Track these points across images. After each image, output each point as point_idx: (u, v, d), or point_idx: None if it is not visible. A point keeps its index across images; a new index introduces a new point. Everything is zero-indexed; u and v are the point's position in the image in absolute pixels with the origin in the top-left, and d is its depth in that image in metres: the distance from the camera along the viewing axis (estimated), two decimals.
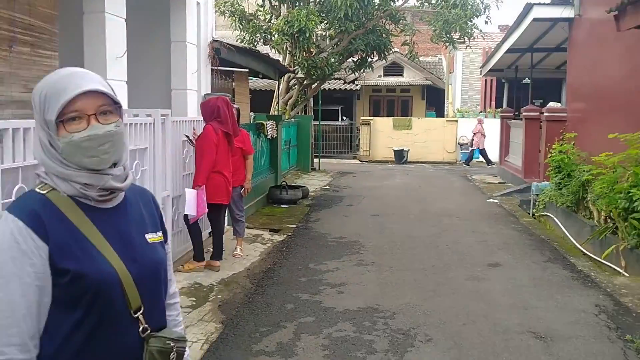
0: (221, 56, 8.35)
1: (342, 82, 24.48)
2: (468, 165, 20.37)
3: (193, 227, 6.14)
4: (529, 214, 10.69)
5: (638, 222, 6.49)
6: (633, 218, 6.57)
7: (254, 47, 12.53)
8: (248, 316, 4.95)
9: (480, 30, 15.89)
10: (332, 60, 15.52)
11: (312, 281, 5.99)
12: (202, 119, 6.42)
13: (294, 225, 8.88)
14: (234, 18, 15.80)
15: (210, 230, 6.64)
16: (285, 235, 8.14)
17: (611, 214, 7.26)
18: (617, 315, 4.97)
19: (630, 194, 6.56)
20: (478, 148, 20.43)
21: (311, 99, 19.19)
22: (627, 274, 6.62)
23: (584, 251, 7.96)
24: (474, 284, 5.95)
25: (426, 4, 15.98)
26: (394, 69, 26.61)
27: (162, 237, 1.67)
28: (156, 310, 1.59)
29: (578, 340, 4.44)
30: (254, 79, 14.96)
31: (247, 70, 10.16)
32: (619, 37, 7.65)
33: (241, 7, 15.93)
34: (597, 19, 9.58)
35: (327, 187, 13.99)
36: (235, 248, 6.93)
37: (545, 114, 11.83)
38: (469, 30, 15.17)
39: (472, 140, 20.68)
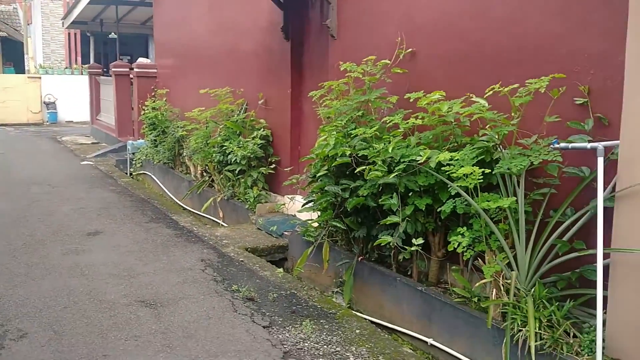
0: None
1: None
2: None
3: None
4: (126, 174, 10.37)
5: (232, 173, 6.83)
6: (228, 170, 6.88)
7: None
8: None
9: None
10: None
11: None
12: None
13: None
14: None
15: None
16: None
17: (207, 167, 7.49)
18: (222, 267, 5.08)
19: (224, 148, 6.83)
20: None
21: None
22: (225, 224, 6.95)
23: (185, 207, 8.09)
24: (73, 258, 5.30)
25: None
26: None
27: None
28: None
29: (188, 300, 4.34)
30: None
31: None
32: None
33: None
34: None
35: None
36: None
37: (136, 69, 11.54)
38: None
39: None
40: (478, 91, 3.70)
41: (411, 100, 3.94)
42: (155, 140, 9.52)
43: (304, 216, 5.88)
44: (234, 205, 6.83)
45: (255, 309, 4.18)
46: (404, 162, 3.80)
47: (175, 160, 8.98)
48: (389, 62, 4.58)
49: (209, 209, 7.36)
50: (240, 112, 7.16)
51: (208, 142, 7.19)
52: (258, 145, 6.54)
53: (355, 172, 4.15)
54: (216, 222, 7.20)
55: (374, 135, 4.15)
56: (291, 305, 4.26)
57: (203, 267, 5.08)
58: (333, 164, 4.35)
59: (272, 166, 6.61)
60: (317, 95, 4.99)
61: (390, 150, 3.83)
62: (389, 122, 4.03)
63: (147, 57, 18.06)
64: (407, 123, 3.85)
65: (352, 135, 4.28)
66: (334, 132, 4.31)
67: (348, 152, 4.20)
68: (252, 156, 6.52)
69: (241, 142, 6.65)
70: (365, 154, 4.08)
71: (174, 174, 8.85)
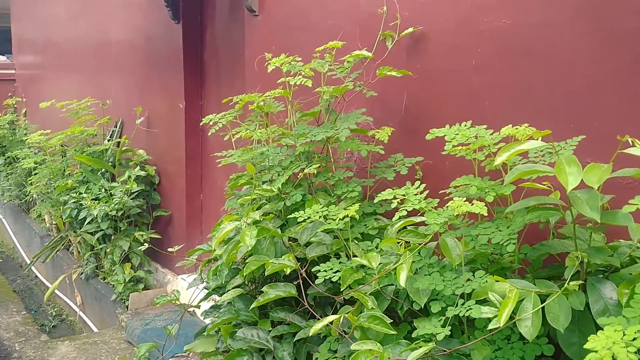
0: None
1: None
2: None
3: None
4: None
5: (93, 236, 4.23)
6: (86, 232, 4.28)
7: None
8: None
9: None
10: None
11: None
12: None
13: None
14: None
15: None
16: None
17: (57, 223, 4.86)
18: None
19: (80, 196, 4.22)
20: None
21: None
22: (84, 316, 4.35)
23: (39, 275, 5.44)
24: None
25: None
26: None
27: None
28: None
29: None
30: None
31: None
32: None
33: None
34: None
35: None
36: None
37: None
38: None
39: None
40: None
41: (447, 142, 1.55)
42: (2, 170, 6.72)
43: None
44: (97, 289, 4.21)
45: None
46: None
47: (30, 202, 6.23)
48: (369, 54, 2.18)
49: (64, 285, 4.71)
50: (109, 137, 4.56)
51: (55, 185, 4.54)
52: (132, 194, 3.97)
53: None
54: (74, 310, 4.58)
55: (346, 224, 1.73)
56: None
57: None
58: (250, 275, 1.91)
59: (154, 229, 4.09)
60: (223, 121, 2.51)
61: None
62: (392, 197, 1.61)
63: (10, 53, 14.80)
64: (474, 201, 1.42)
65: (298, 221, 1.84)
66: (254, 218, 1.86)
67: (289, 269, 1.77)
68: (121, 214, 3.95)
69: (104, 189, 4.07)
70: (335, 270, 1.66)
71: (25, 221, 6.10)
